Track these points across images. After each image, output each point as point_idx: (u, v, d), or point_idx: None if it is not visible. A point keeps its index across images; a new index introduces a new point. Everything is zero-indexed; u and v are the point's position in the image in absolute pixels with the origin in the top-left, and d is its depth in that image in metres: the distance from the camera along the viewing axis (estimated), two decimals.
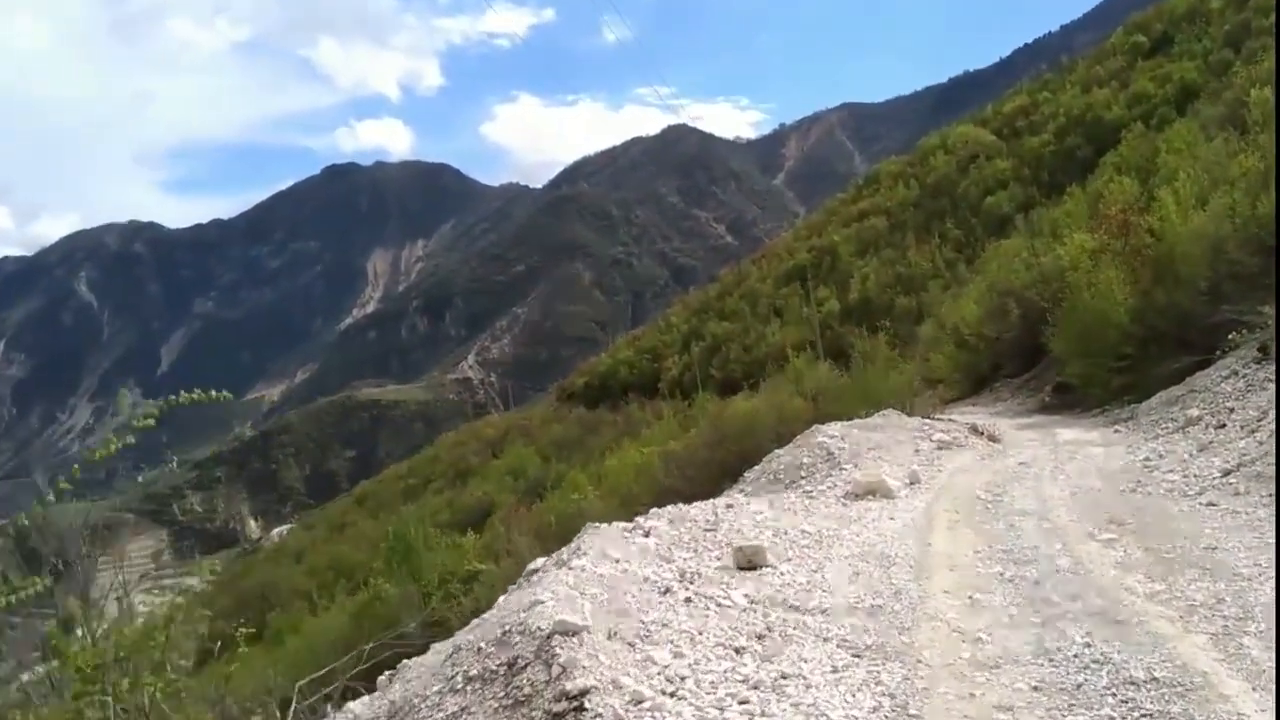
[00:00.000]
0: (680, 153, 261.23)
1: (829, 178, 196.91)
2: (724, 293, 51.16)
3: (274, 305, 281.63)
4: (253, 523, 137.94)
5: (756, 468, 10.97)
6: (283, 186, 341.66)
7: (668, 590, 4.51)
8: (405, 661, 4.87)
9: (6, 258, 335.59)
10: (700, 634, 3.92)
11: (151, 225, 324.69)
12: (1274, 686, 3.38)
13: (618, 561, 4.92)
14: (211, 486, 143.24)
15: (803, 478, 9.16)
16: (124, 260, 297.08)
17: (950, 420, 13.43)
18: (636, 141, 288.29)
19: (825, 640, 4.01)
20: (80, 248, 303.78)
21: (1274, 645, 3.70)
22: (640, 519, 6.44)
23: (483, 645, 3.65)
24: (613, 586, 4.36)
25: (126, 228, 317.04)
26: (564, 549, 5.39)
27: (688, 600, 4.39)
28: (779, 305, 42.80)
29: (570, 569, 4.56)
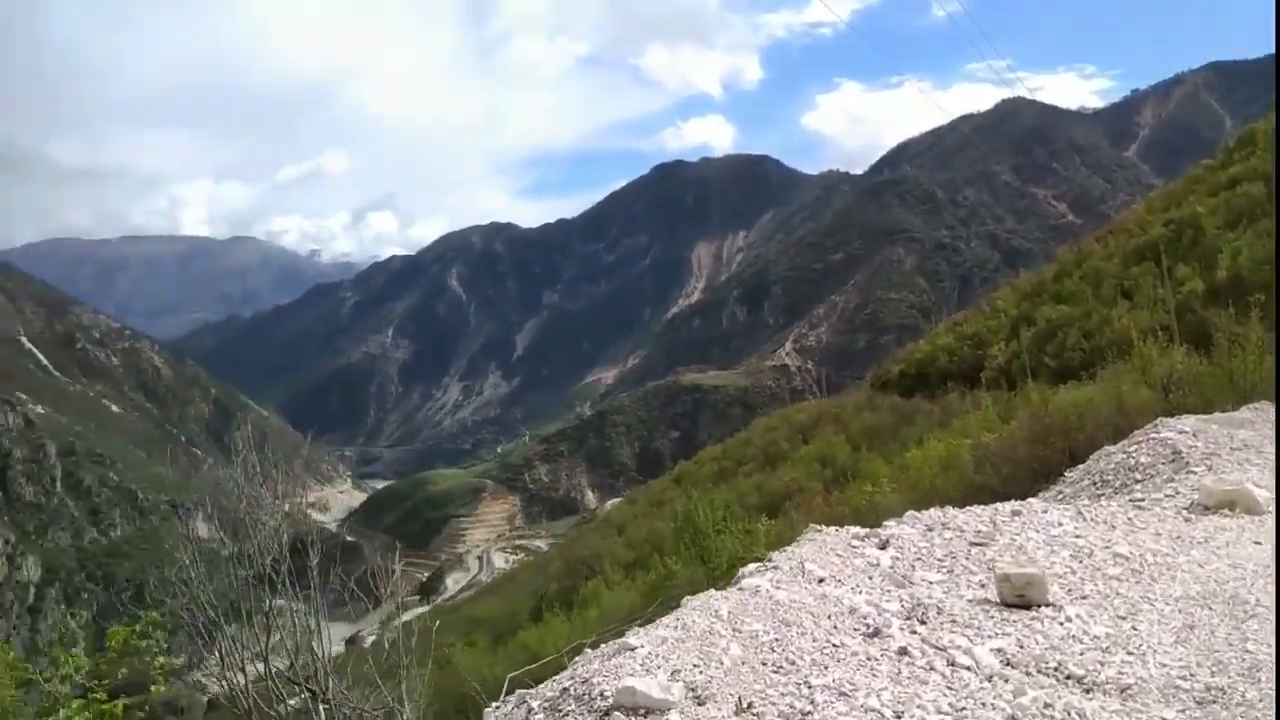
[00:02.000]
0: (1015, 128, 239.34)
1: (1193, 146, 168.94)
2: (1061, 273, 45.21)
3: (609, 296, 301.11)
4: (590, 494, 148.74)
5: (1080, 467, 8.89)
6: (617, 186, 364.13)
7: (877, 633, 3.15)
8: (533, 690, 3.92)
9: (394, 257, 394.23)
10: (899, 717, 2.56)
11: (509, 226, 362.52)
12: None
13: (820, 582, 3.63)
14: (556, 460, 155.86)
15: (1136, 481, 7.03)
16: (486, 258, 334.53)
17: None
18: (966, 119, 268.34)
19: None
20: (451, 247, 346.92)
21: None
22: (891, 524, 5.03)
23: (534, 706, 2.62)
24: (789, 621, 3.10)
25: (488, 229, 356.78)
26: (769, 557, 4.20)
27: (903, 652, 3.01)
28: (1127, 286, 36.93)
29: (741, 588, 3.38)
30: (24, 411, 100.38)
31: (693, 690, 2.46)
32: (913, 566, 4.18)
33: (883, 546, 4.43)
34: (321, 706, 4.89)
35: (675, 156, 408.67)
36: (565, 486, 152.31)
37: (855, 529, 4.78)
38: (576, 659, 3.09)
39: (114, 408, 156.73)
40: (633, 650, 2.68)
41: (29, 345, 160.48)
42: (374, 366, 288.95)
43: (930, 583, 3.96)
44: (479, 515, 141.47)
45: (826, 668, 2.80)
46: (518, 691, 3.05)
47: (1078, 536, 4.96)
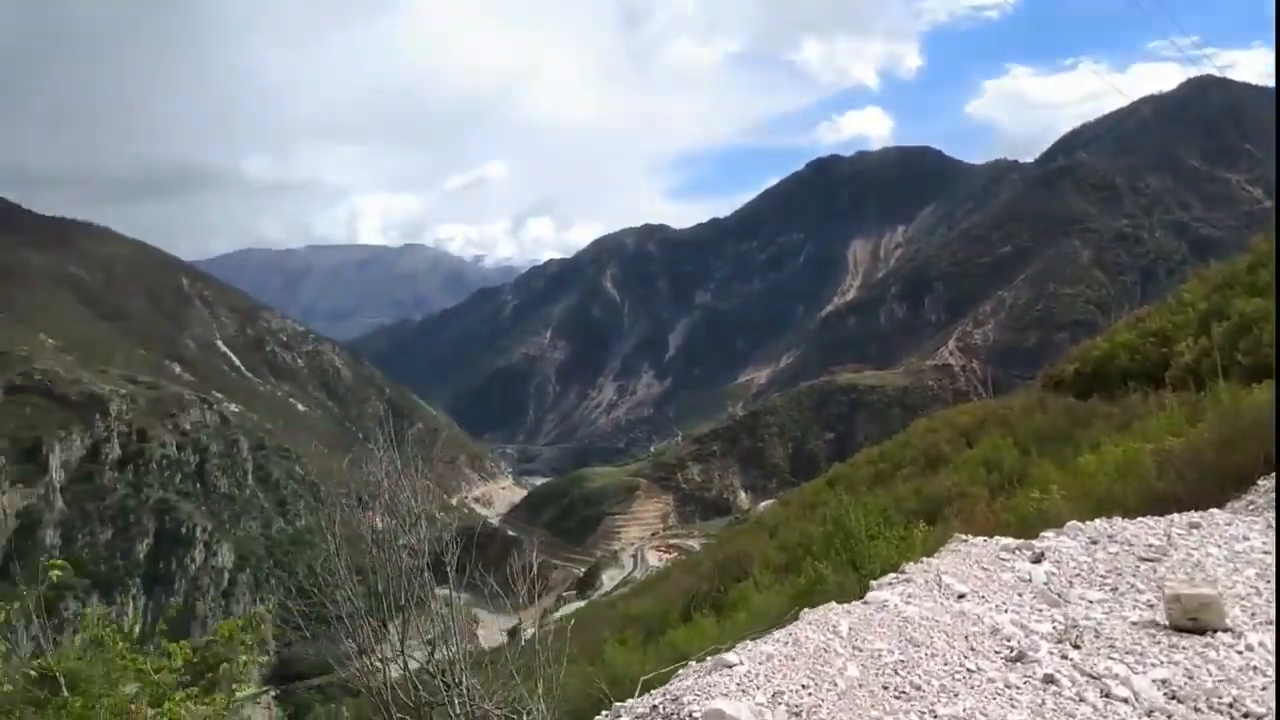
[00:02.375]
0: (1203, 109, 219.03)
1: None
2: (1257, 263, 40.97)
3: (762, 295, 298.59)
4: (743, 495, 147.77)
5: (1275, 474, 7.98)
6: (770, 184, 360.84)
7: (1021, 657, 2.85)
8: (626, 703, 3.75)
9: (550, 260, 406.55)
10: None
11: (661, 227, 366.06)
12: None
13: (960, 598, 3.35)
14: (709, 460, 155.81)
15: None
16: (639, 259, 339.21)
17: None
18: (1147, 101, 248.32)
19: None
20: (606, 250, 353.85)
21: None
22: (1049, 535, 4.62)
23: None
24: (918, 641, 2.85)
25: (642, 231, 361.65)
26: (902, 568, 3.91)
27: (1049, 680, 2.71)
28: None
29: (866, 602, 3.14)
30: (220, 410, 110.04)
31: (796, 715, 2.28)
32: (1070, 583, 3.80)
33: (1037, 560, 4.06)
34: (456, 699, 4.99)
35: (830, 151, 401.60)
36: (718, 487, 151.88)
37: (1006, 540, 4.41)
38: (679, 672, 2.96)
39: (299, 406, 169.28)
40: (730, 668, 2.51)
41: (224, 349, 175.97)
42: (533, 367, 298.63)
43: (1089, 602, 3.58)
44: (633, 513, 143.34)
45: (957, 695, 2.54)
46: (615, 705, 2.95)
47: (1266, 553, 4.40)
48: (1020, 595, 3.53)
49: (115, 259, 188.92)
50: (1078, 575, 3.93)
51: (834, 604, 3.30)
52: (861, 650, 2.71)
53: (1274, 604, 3.70)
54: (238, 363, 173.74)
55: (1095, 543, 4.45)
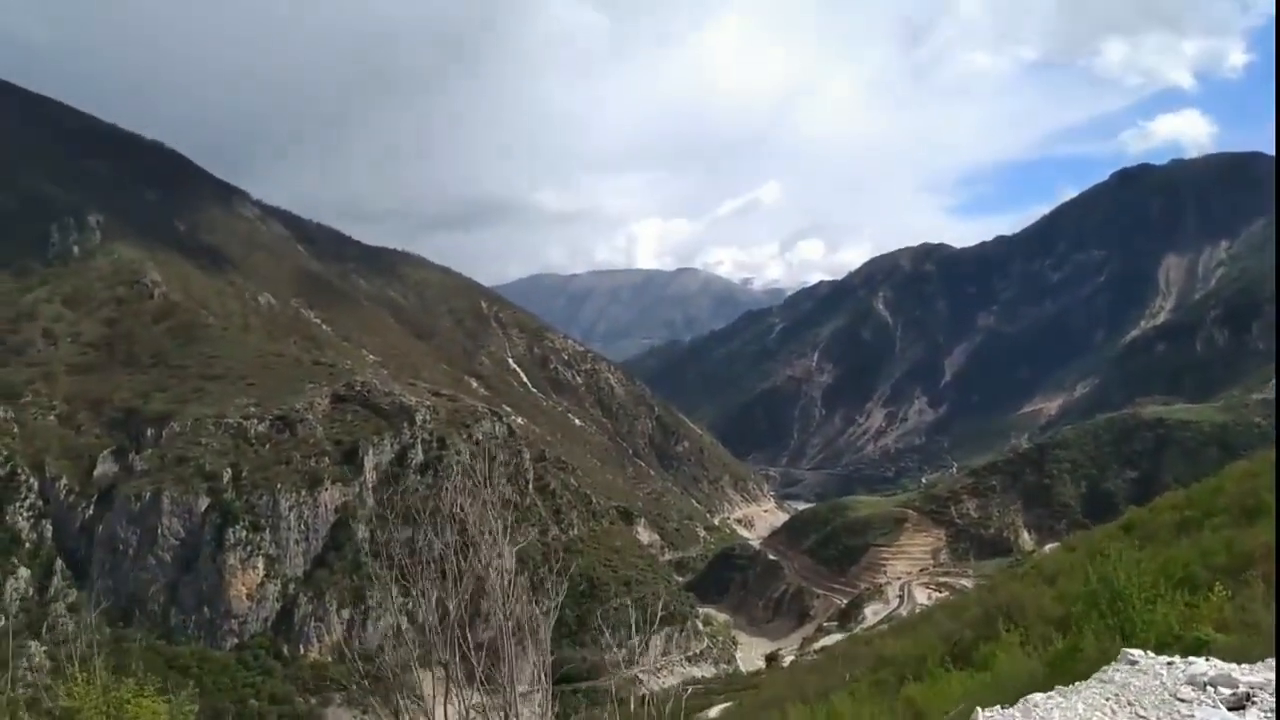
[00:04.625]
0: None
1: None
2: None
3: (1054, 318, 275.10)
4: (1026, 535, 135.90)
5: None
6: (1066, 199, 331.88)
7: None
8: None
9: (820, 282, 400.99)
10: None
11: (940, 246, 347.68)
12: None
13: None
14: (986, 494, 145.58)
15: None
16: (915, 280, 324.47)
17: None
18: None
19: None
20: (879, 270, 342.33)
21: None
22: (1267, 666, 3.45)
23: None
24: None
25: (918, 250, 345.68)
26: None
27: None
28: None
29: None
30: (508, 422, 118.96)
31: None
32: None
33: (1239, 707, 2.95)
34: None
35: (1137, 160, 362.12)
36: (997, 524, 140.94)
37: (1200, 666, 3.27)
38: None
39: (576, 421, 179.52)
40: None
41: (514, 366, 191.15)
42: (798, 390, 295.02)
43: None
44: (900, 546, 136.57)
45: None
46: None
47: None
48: None
49: (427, 284, 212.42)
50: None
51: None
52: None
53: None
54: (525, 379, 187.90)
55: None
